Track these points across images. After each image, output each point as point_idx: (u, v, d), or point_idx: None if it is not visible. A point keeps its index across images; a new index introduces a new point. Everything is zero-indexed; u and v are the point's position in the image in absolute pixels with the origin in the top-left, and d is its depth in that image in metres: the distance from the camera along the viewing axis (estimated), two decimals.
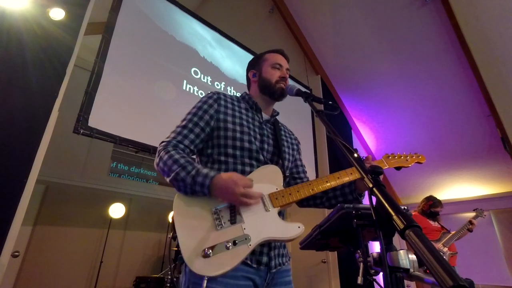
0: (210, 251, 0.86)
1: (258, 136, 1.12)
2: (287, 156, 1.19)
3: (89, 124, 2.10)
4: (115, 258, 5.03)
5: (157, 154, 1.02)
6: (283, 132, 1.26)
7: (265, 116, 1.24)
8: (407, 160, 1.30)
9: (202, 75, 3.14)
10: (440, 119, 4.14)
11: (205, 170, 0.94)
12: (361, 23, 3.94)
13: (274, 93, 1.21)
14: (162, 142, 1.05)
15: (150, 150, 2.39)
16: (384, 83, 4.28)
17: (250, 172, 1.05)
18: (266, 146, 1.13)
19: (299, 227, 0.97)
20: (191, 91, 2.97)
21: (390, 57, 4.03)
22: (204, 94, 3.05)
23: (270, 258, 0.99)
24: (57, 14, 1.99)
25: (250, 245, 0.90)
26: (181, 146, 1.04)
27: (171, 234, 0.92)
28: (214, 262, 0.86)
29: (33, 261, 4.25)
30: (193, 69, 3.09)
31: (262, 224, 0.95)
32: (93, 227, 4.95)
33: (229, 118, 1.10)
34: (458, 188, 4.59)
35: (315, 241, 1.11)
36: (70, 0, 2.10)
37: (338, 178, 1.11)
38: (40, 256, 4.33)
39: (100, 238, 4.94)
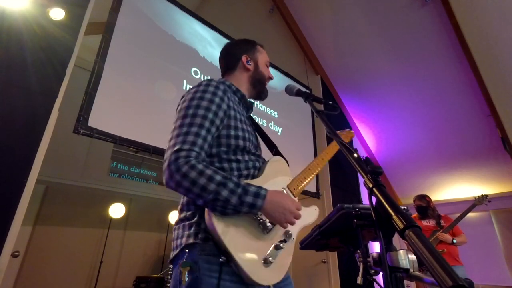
0: (271, 258, 0.84)
1: (252, 133, 1.07)
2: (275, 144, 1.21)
3: (89, 124, 2.10)
4: (115, 258, 5.04)
5: (174, 169, 0.80)
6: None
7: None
8: (346, 136, 1.51)
9: (202, 75, 3.14)
10: (440, 119, 4.14)
11: (252, 188, 0.83)
12: (361, 23, 3.94)
13: (262, 92, 1.17)
14: (179, 150, 0.82)
15: (150, 150, 2.39)
16: (384, 83, 4.28)
17: (259, 166, 1.03)
18: (258, 143, 1.12)
19: (316, 209, 1.06)
20: None
21: (390, 57, 4.03)
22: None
23: None
24: (57, 14, 1.99)
25: (293, 239, 0.94)
26: (203, 154, 0.86)
27: (223, 258, 0.82)
28: (276, 266, 0.85)
29: (33, 261, 4.25)
30: (193, 69, 3.09)
31: None
32: (93, 227, 4.96)
33: (238, 115, 0.99)
34: (458, 188, 4.59)
35: (315, 241, 1.11)
36: (70, 0, 2.10)
37: (323, 158, 1.23)
38: (40, 256, 4.33)
39: (100, 238, 4.94)
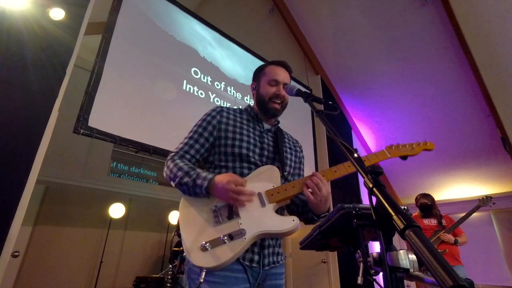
0: (208, 244, 0.93)
1: (258, 144, 1.18)
2: (288, 162, 1.23)
3: (89, 124, 2.10)
4: (115, 258, 5.04)
5: (165, 163, 1.11)
6: (286, 140, 1.30)
7: (267, 125, 1.28)
8: (413, 148, 1.22)
9: (202, 75, 3.14)
10: (440, 119, 4.14)
11: (204, 173, 1.03)
12: (361, 23, 3.94)
13: (267, 111, 1.24)
14: (171, 152, 1.15)
15: (150, 150, 2.39)
16: (384, 83, 4.28)
17: (249, 174, 1.11)
18: (266, 152, 1.18)
19: (293, 220, 1.00)
20: (191, 91, 2.98)
21: (390, 57, 4.03)
22: (204, 94, 3.09)
23: (263, 256, 1.03)
24: (57, 14, 1.99)
25: (245, 238, 0.95)
26: (188, 156, 1.13)
27: (175, 231, 0.99)
28: (212, 254, 0.92)
29: (33, 261, 4.25)
30: (193, 69, 3.09)
31: (257, 219, 0.99)
32: (93, 227, 4.96)
33: (230, 128, 1.18)
34: (458, 188, 4.59)
35: (315, 241, 1.11)
36: (70, 0, 2.10)
37: (336, 171, 1.11)
38: (40, 256, 4.33)
39: (100, 238, 4.94)
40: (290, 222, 0.99)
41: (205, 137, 1.16)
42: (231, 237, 0.95)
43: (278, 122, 1.33)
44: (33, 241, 4.35)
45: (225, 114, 1.21)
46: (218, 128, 1.18)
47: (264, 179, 1.09)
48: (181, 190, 1.06)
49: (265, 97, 1.23)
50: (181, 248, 4.10)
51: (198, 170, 1.05)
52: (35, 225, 4.43)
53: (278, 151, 1.21)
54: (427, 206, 3.22)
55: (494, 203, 3.31)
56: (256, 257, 1.02)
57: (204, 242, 0.93)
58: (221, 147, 1.15)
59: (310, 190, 1.03)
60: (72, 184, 4.78)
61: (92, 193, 5.02)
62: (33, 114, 1.78)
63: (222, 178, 0.99)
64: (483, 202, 3.28)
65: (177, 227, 1.04)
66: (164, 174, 1.11)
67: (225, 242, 0.94)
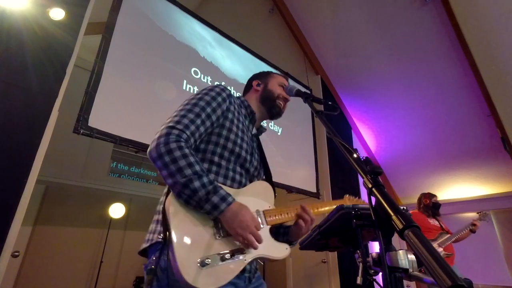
0: (209, 260, 0.79)
1: (249, 149, 1.08)
2: (271, 174, 1.19)
3: (89, 124, 2.10)
4: (115, 258, 5.04)
5: (162, 141, 0.86)
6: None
7: (254, 130, 1.21)
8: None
9: (202, 75, 3.14)
10: (440, 119, 4.14)
11: (222, 191, 0.86)
12: (361, 23, 3.94)
13: (272, 107, 1.21)
14: (173, 128, 0.90)
15: None
16: (384, 83, 4.28)
17: (240, 181, 1.03)
18: (253, 159, 1.10)
19: (286, 248, 1.01)
20: (191, 91, 2.98)
21: (390, 57, 4.03)
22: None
23: (250, 266, 0.98)
24: (57, 14, 1.99)
25: (245, 260, 0.87)
26: (192, 140, 0.92)
27: (162, 235, 0.83)
28: (211, 273, 0.79)
29: (33, 261, 4.25)
30: (193, 69, 3.09)
31: None
32: (93, 227, 4.96)
33: (235, 121, 1.05)
34: (458, 188, 4.58)
35: (314, 241, 1.11)
36: (70, 0, 2.10)
37: (317, 209, 1.17)
38: (40, 256, 4.34)
39: (100, 238, 4.95)
40: (284, 249, 1.00)
41: (212, 120, 0.97)
42: (232, 255, 0.84)
43: (265, 130, 1.28)
44: (33, 241, 4.35)
45: (232, 101, 1.07)
46: (225, 116, 1.02)
47: (261, 196, 1.04)
48: (177, 192, 0.83)
49: (274, 93, 1.21)
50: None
51: (212, 178, 0.87)
52: (35, 225, 4.43)
53: (262, 161, 1.16)
54: (439, 205, 3.23)
55: (488, 221, 3.35)
56: (248, 267, 0.94)
57: (204, 256, 0.79)
58: (221, 139, 0.99)
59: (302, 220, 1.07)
60: (72, 184, 4.77)
61: (92, 193, 5.02)
62: (33, 114, 1.78)
63: (246, 211, 0.86)
64: (483, 216, 3.27)
65: (164, 231, 0.80)
66: (155, 154, 0.84)
67: (225, 260, 0.82)
